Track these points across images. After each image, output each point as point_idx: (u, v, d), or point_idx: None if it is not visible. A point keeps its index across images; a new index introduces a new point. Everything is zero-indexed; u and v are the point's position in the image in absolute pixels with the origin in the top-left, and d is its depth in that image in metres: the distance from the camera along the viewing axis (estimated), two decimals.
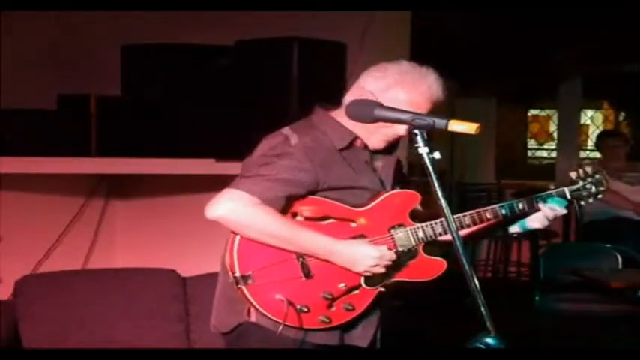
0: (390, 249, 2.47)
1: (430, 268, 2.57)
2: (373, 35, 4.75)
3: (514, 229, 2.73)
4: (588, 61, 7.96)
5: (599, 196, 2.71)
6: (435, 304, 5.61)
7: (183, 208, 4.51)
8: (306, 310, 2.40)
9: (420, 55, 5.32)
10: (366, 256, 2.41)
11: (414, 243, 2.52)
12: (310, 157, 2.41)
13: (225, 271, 2.48)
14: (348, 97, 2.52)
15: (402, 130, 2.46)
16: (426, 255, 2.57)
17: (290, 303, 2.37)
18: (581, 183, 2.71)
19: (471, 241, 2.73)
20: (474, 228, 2.61)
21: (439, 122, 2.09)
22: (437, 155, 2.06)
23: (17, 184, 3.98)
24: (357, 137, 2.51)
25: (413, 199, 2.57)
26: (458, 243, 2.04)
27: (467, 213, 2.58)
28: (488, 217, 2.58)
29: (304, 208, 2.43)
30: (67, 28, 4.41)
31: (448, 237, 2.44)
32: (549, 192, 2.69)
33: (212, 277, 3.95)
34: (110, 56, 4.23)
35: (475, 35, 6.97)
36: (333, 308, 2.45)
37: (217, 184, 4.22)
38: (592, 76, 8.83)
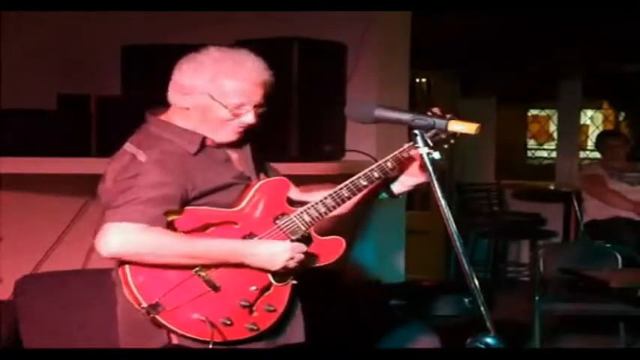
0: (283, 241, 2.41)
1: (330, 249, 2.51)
2: (373, 35, 4.75)
3: (398, 189, 2.68)
4: (588, 61, 7.96)
5: (457, 134, 2.48)
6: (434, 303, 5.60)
7: None
8: (229, 322, 2.33)
9: (420, 55, 5.36)
10: (280, 251, 2.35)
11: (303, 229, 2.45)
12: (166, 170, 2.33)
13: (125, 299, 2.39)
14: (171, 96, 2.47)
15: (249, 118, 2.43)
16: (320, 237, 2.51)
17: (210, 321, 2.29)
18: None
19: (355, 210, 2.67)
20: (355, 199, 2.55)
21: (439, 122, 2.10)
22: (437, 155, 2.07)
23: (17, 184, 3.98)
24: (205, 137, 2.44)
25: (284, 184, 2.52)
26: (458, 244, 2.04)
27: (342, 185, 2.51)
28: (364, 183, 2.53)
29: (181, 222, 2.33)
30: (67, 28, 4.41)
31: (336, 213, 2.49)
32: (408, 146, 2.60)
33: None
34: (110, 56, 4.23)
35: (475, 35, 6.97)
36: (255, 314, 2.38)
37: None
38: (592, 76, 8.82)
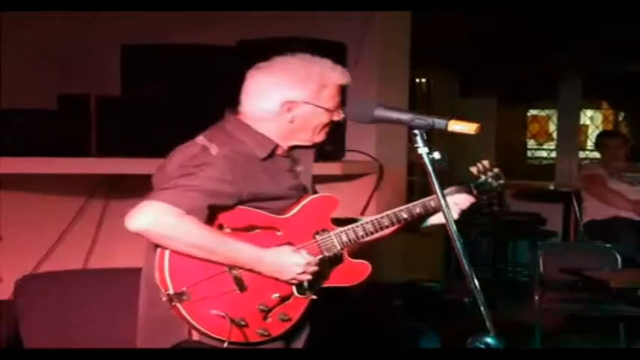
0: (316, 255, 2.45)
1: (356, 272, 2.58)
2: (373, 35, 4.75)
3: (425, 224, 2.77)
4: (588, 61, 7.96)
5: (499, 189, 2.77)
6: (435, 303, 5.61)
7: None
8: (244, 324, 2.36)
9: (420, 55, 5.36)
10: (293, 264, 2.39)
11: (339, 247, 2.52)
12: (232, 169, 2.37)
13: (151, 289, 2.41)
14: (259, 109, 2.50)
15: (342, 115, 2.51)
16: (351, 259, 2.57)
17: (230, 318, 2.31)
18: (483, 177, 2.75)
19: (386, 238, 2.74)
20: (392, 228, 2.63)
21: (439, 122, 2.09)
22: (437, 155, 2.07)
23: (17, 184, 3.98)
24: (277, 145, 2.50)
25: (333, 203, 2.57)
26: (458, 244, 2.04)
27: (384, 214, 2.59)
28: (405, 216, 2.61)
29: (230, 219, 2.38)
30: (67, 28, 4.42)
31: (370, 239, 2.57)
32: (455, 188, 2.73)
33: None
34: (110, 56, 4.23)
35: (475, 35, 6.98)
36: (269, 320, 2.41)
37: None
38: (592, 76, 8.82)
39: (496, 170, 2.75)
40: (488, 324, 1.99)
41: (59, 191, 4.28)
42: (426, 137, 2.09)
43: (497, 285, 7.43)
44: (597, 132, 9.82)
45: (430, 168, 2.06)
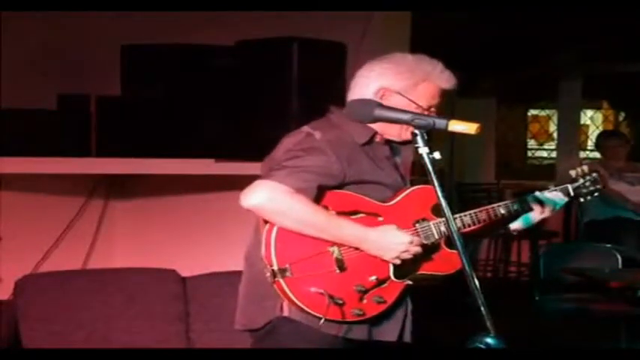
0: None
1: (452, 261, 2.59)
2: (373, 35, 4.75)
3: (515, 225, 2.82)
4: (588, 61, 7.96)
5: (596, 194, 2.89)
6: (436, 303, 5.60)
7: (183, 208, 4.51)
8: (341, 302, 2.43)
9: None
10: (398, 242, 2.46)
11: (437, 237, 2.57)
12: (336, 151, 2.46)
13: (253, 267, 2.53)
14: (360, 93, 2.55)
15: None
16: (447, 249, 2.62)
17: (330, 296, 2.40)
18: (581, 180, 2.86)
19: (475, 239, 2.80)
20: (483, 224, 2.68)
21: (439, 122, 2.10)
22: (437, 155, 2.07)
23: (17, 184, 3.98)
24: (376, 133, 2.57)
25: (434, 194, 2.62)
26: (458, 243, 2.04)
27: (483, 208, 2.67)
28: (502, 212, 2.70)
29: (336, 203, 2.47)
30: (67, 28, 4.41)
31: (465, 231, 2.63)
32: (554, 188, 2.84)
33: (212, 277, 3.98)
34: (110, 56, 4.23)
35: (475, 35, 6.98)
36: (365, 301, 2.48)
37: (217, 184, 4.21)
38: (592, 76, 8.83)
39: (595, 175, 2.89)
40: (488, 324, 1.99)
41: (59, 191, 4.28)
42: (426, 137, 2.10)
43: (497, 285, 7.43)
44: (597, 132, 9.83)
45: (430, 168, 2.06)
